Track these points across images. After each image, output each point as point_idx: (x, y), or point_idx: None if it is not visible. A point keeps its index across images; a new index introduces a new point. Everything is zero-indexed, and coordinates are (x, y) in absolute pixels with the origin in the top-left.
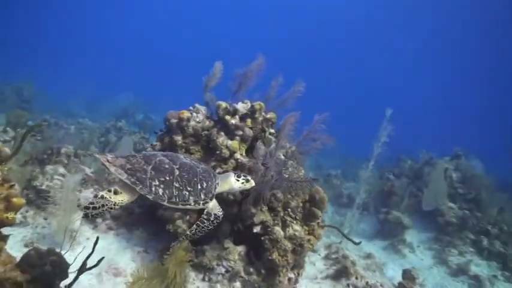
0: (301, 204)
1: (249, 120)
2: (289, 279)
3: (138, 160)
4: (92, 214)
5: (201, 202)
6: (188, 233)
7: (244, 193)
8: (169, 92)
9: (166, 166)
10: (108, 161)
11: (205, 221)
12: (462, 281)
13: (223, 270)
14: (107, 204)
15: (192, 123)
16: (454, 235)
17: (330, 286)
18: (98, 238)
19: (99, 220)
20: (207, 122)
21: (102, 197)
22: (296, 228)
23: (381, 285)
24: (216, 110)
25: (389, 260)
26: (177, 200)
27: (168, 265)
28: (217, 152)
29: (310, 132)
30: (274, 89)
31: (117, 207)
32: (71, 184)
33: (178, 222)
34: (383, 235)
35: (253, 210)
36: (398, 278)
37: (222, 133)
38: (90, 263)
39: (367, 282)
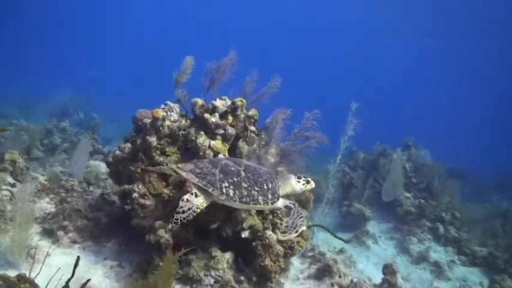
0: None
1: (230, 118)
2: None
3: (206, 164)
4: (181, 219)
5: (270, 202)
6: (289, 227)
7: None
8: (115, 89)
9: (232, 168)
10: (178, 167)
11: (293, 209)
12: (424, 268)
13: (212, 280)
14: (191, 208)
15: (168, 122)
16: (412, 224)
17: (314, 286)
18: (78, 258)
19: (60, 233)
20: (184, 121)
21: (187, 200)
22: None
23: (364, 281)
24: (191, 108)
25: (356, 253)
26: (248, 200)
27: (154, 280)
28: (201, 154)
29: (301, 130)
30: (250, 85)
31: (198, 210)
32: (26, 195)
33: (161, 231)
34: (346, 228)
35: (244, 215)
36: (368, 271)
37: (202, 132)
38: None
39: (351, 280)
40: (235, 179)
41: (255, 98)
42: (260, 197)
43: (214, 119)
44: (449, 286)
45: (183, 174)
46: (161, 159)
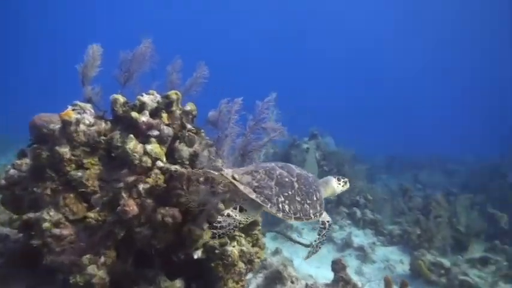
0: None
1: (164, 116)
2: None
3: (262, 176)
4: (219, 234)
5: (318, 214)
6: (313, 247)
7: (189, 212)
8: None
9: (287, 179)
10: (235, 178)
11: (324, 230)
12: (350, 254)
13: None
14: (232, 223)
15: (83, 127)
16: (332, 211)
17: None
18: None
19: None
20: (103, 124)
21: (228, 215)
22: (243, 243)
23: (316, 283)
24: (110, 107)
25: (284, 249)
26: (301, 215)
27: None
28: (136, 162)
29: (258, 122)
30: (175, 76)
31: (241, 225)
32: None
33: (91, 268)
34: (269, 224)
35: (199, 232)
36: (305, 268)
37: (131, 136)
38: None
39: (306, 284)
40: (289, 192)
41: (183, 90)
42: (311, 211)
43: (144, 118)
44: (375, 268)
45: (241, 187)
46: (79, 173)
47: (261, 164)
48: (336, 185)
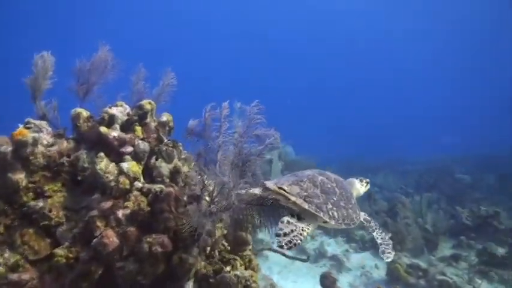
0: (224, 231)
1: (138, 129)
2: None
3: (308, 185)
4: (286, 242)
5: (358, 218)
6: (384, 244)
7: (179, 238)
8: None
9: (329, 186)
10: (286, 190)
11: (371, 224)
12: (324, 265)
13: None
14: (295, 230)
15: (41, 148)
16: None
17: None
18: None
19: None
20: (65, 143)
21: (288, 222)
22: (238, 266)
23: None
24: (72, 123)
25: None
26: (348, 221)
27: None
28: (112, 185)
29: (249, 129)
30: (140, 85)
31: (305, 234)
32: None
33: None
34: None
35: (191, 260)
36: (282, 284)
37: (102, 154)
38: None
39: None
40: (334, 198)
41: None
42: (354, 215)
43: (115, 133)
44: (351, 276)
45: (293, 199)
46: (39, 204)
47: (299, 173)
48: (359, 186)
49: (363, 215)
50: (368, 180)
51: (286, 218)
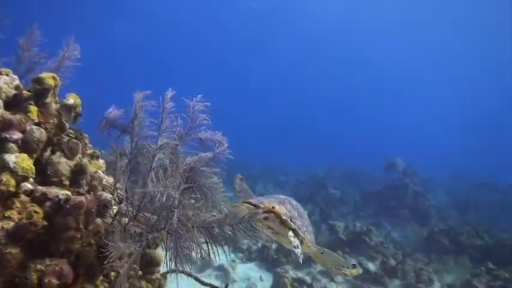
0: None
1: (33, 110)
2: None
3: (288, 206)
4: (300, 253)
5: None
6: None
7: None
8: None
9: (300, 210)
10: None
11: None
12: (209, 275)
13: None
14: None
15: None
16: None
17: None
18: None
19: None
20: None
21: (294, 236)
22: None
23: None
24: None
25: None
26: (313, 244)
27: None
28: None
29: (191, 130)
30: (30, 51)
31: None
32: None
33: None
34: None
35: None
36: None
37: None
38: None
39: None
40: (305, 223)
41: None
42: (313, 236)
43: None
44: None
45: (284, 218)
46: None
47: (275, 196)
48: None
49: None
50: None
51: (290, 233)
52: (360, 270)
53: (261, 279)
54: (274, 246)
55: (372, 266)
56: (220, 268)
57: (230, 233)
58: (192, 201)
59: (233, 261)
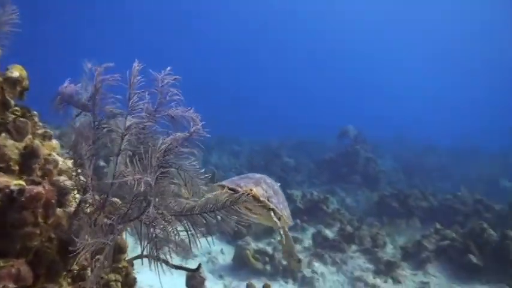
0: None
1: None
2: None
3: (264, 186)
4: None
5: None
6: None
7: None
8: None
9: (275, 187)
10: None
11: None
12: (168, 251)
13: None
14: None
15: None
16: None
17: None
18: None
19: None
20: None
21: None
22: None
23: None
24: None
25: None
26: (289, 219)
27: None
28: None
29: (161, 106)
30: None
31: None
32: None
33: None
34: None
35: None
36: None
37: None
38: None
39: None
40: (281, 199)
41: None
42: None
43: None
44: (198, 263)
45: (262, 198)
46: None
47: (251, 175)
48: None
49: None
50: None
51: (273, 214)
52: (299, 266)
53: (222, 252)
54: None
55: (329, 233)
56: (180, 243)
57: (213, 219)
58: (172, 186)
59: (192, 235)
